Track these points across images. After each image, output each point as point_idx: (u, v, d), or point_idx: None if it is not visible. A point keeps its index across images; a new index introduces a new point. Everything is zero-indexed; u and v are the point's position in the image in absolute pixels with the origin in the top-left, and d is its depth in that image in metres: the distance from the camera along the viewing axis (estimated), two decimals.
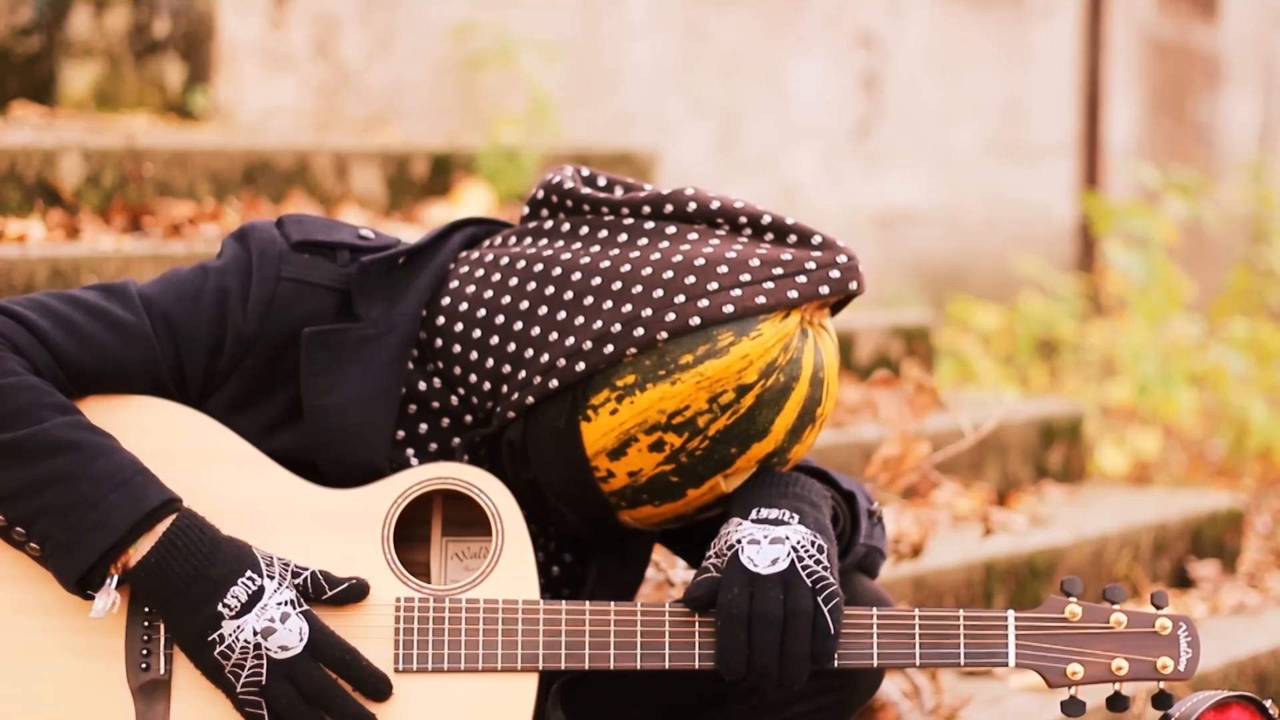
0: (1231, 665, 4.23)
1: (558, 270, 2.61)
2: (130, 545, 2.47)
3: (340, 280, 2.65)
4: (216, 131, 5.45)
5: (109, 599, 2.47)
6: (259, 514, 2.57)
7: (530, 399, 2.60)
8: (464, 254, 2.71)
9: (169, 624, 2.50)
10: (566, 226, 2.67)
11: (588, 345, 2.56)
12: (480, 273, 2.67)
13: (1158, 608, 2.65)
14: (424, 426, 2.67)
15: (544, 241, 2.67)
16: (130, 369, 2.58)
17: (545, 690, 2.74)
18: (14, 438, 2.47)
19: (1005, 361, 7.97)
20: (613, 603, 2.59)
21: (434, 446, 2.68)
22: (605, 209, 2.65)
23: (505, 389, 2.62)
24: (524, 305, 2.62)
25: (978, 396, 6.35)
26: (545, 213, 2.71)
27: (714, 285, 2.56)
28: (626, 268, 2.59)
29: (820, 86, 8.51)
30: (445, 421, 2.68)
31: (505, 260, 2.67)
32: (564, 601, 2.60)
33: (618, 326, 2.56)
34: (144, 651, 2.52)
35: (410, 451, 2.67)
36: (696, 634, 2.58)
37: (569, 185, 2.68)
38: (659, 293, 2.56)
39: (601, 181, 2.70)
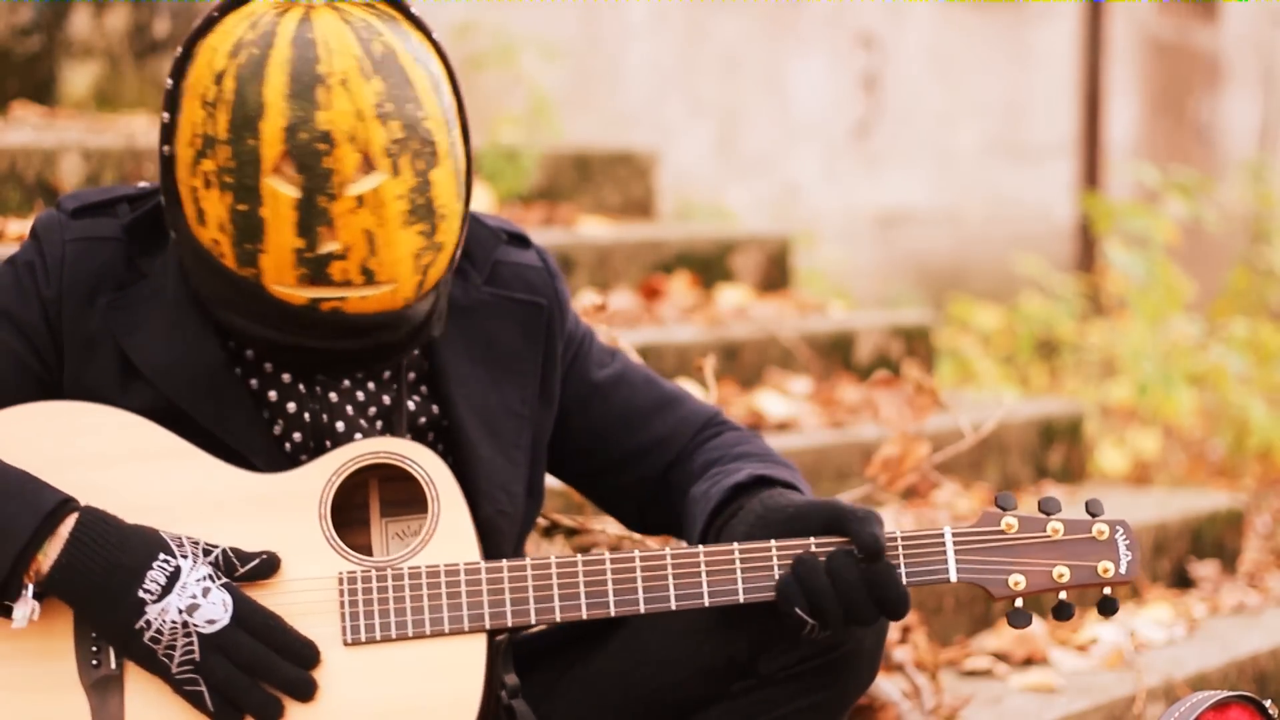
0: (1231, 665, 4.23)
1: None
2: (37, 552, 2.48)
3: (124, 230, 2.70)
4: None
5: (27, 608, 2.48)
6: (196, 505, 2.58)
7: (173, 231, 2.65)
8: None
9: (93, 622, 2.51)
10: None
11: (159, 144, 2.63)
12: None
13: (1091, 515, 2.65)
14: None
15: None
16: (6, 372, 2.62)
17: (495, 654, 2.71)
18: None
19: (1005, 361, 7.97)
20: (553, 556, 2.62)
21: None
22: None
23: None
24: None
25: (978, 396, 6.35)
26: None
27: (197, 22, 2.61)
28: None
29: (820, 87, 8.51)
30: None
31: None
32: (504, 560, 2.62)
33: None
34: (93, 649, 2.53)
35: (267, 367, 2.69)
36: (639, 580, 2.61)
37: None
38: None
39: None
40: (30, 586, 2.49)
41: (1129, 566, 2.65)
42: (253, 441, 2.66)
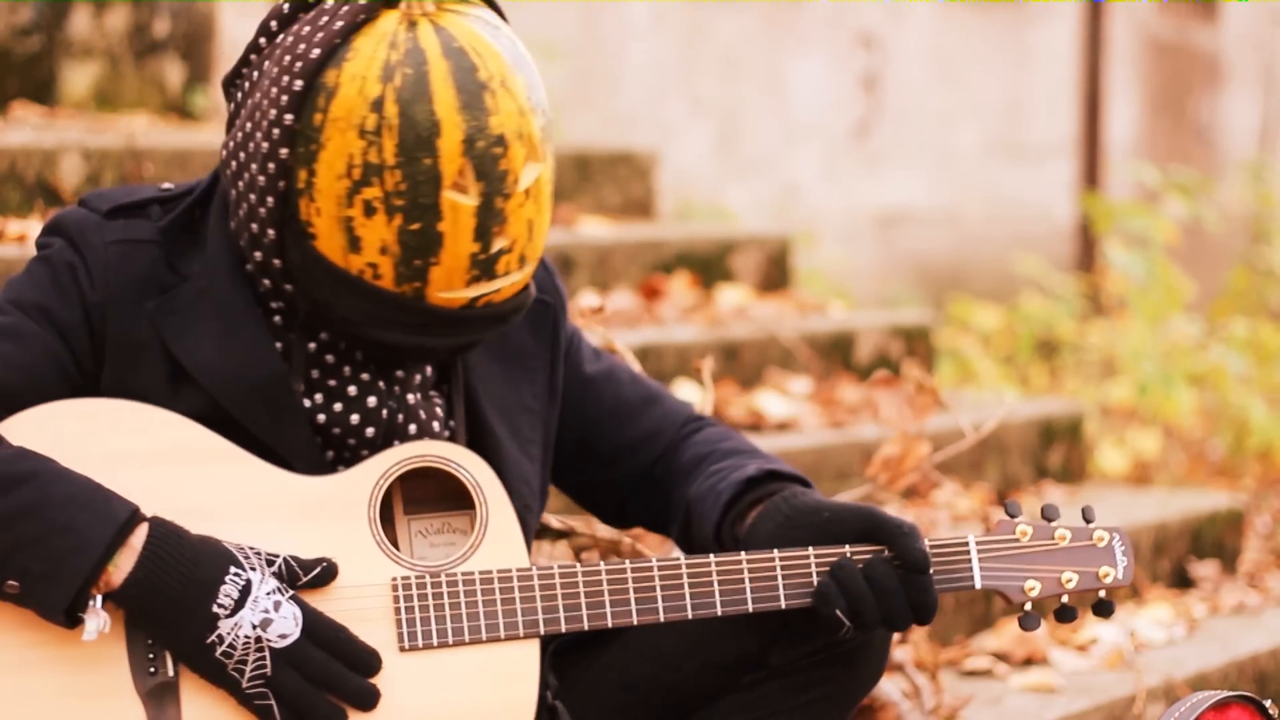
0: (1231, 665, 4.23)
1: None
2: (109, 563, 2.44)
3: (159, 233, 2.66)
4: (217, 131, 5.45)
5: (99, 620, 2.45)
6: (243, 508, 2.56)
7: (259, 252, 2.61)
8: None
9: (163, 635, 2.48)
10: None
11: (261, 163, 2.58)
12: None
13: (1086, 521, 2.76)
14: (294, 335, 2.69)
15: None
16: (42, 376, 2.57)
17: (545, 657, 2.75)
18: None
19: (1005, 361, 7.97)
20: (602, 564, 2.64)
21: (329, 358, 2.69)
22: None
23: (262, 237, 2.63)
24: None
25: (978, 396, 6.35)
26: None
27: (289, 54, 2.56)
28: (265, 83, 2.60)
29: (820, 87, 8.51)
30: (283, 304, 2.68)
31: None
32: (555, 565, 2.64)
33: (268, 134, 2.57)
34: (149, 655, 2.49)
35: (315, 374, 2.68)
36: (686, 587, 2.64)
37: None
38: (274, 92, 2.57)
39: None
40: (99, 598, 2.45)
41: (1125, 572, 2.76)
42: (300, 450, 2.64)
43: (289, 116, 2.55)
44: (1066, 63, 9.77)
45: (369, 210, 2.52)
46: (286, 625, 2.47)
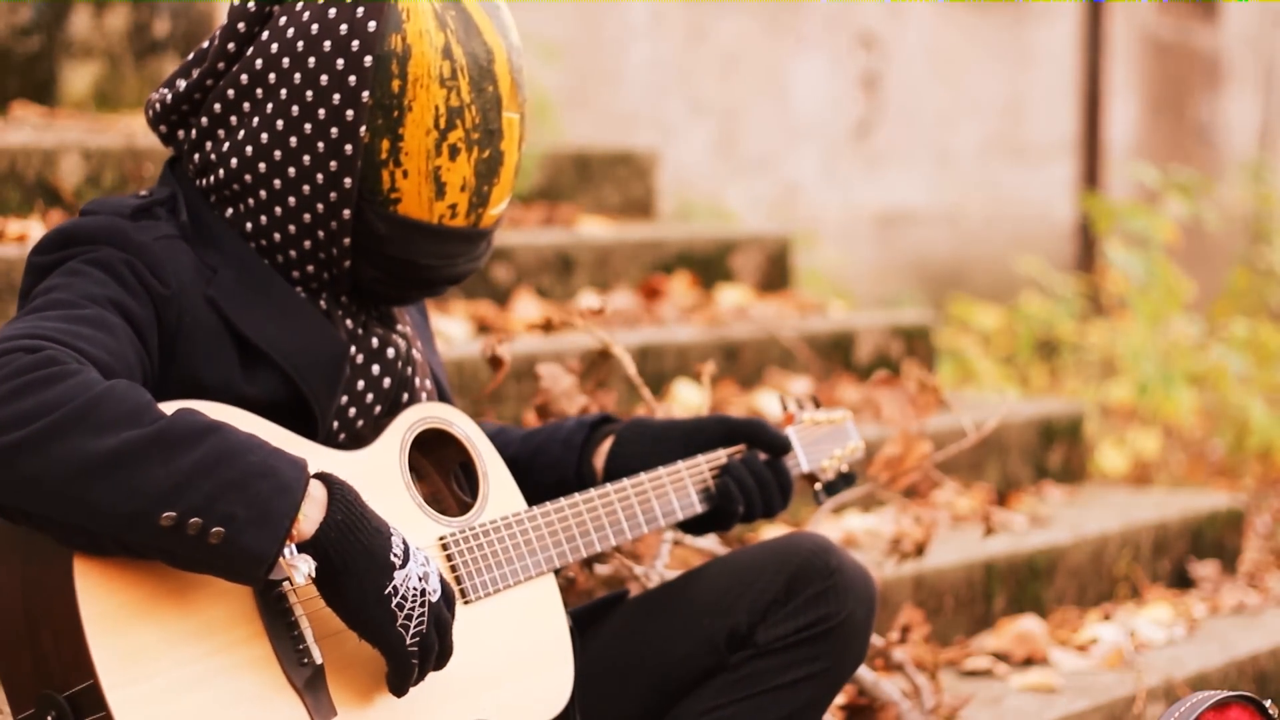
0: (1231, 665, 4.23)
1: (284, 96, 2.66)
2: (299, 511, 2.38)
3: (179, 230, 2.67)
4: None
5: (308, 563, 2.39)
6: None
7: (334, 224, 2.64)
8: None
9: (348, 586, 2.42)
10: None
11: (326, 151, 2.62)
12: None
13: (816, 405, 3.18)
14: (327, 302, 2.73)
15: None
16: (133, 367, 2.53)
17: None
18: (156, 430, 2.35)
19: (1005, 361, 7.98)
20: (578, 496, 2.84)
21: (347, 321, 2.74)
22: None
23: (319, 228, 2.66)
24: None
25: (978, 396, 6.35)
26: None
27: (326, 39, 2.61)
28: (297, 76, 2.63)
29: (820, 87, 8.51)
30: (314, 285, 2.72)
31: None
32: (548, 504, 2.80)
33: (336, 118, 2.60)
34: (298, 647, 2.46)
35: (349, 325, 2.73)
36: (653, 499, 2.91)
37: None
38: (325, 79, 2.61)
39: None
40: (293, 547, 2.38)
41: (860, 441, 3.21)
42: (328, 426, 2.68)
43: (365, 94, 2.60)
44: (1066, 63, 9.77)
45: (454, 153, 2.65)
46: (435, 581, 2.49)
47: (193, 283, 2.61)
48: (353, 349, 2.71)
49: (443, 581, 2.52)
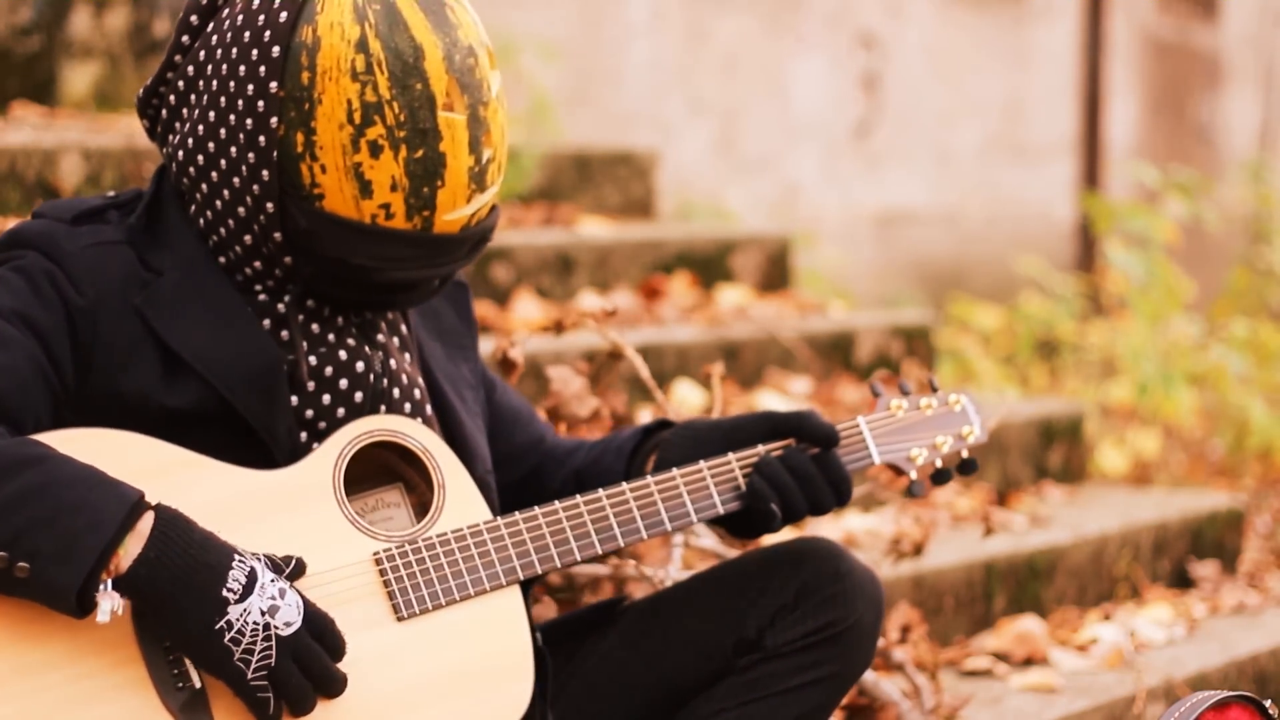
0: (1231, 665, 4.23)
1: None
2: (119, 546, 2.39)
3: (126, 234, 2.67)
4: None
5: (113, 600, 2.39)
6: (221, 510, 2.54)
7: (248, 236, 2.63)
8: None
9: (170, 622, 2.43)
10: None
11: (245, 144, 2.60)
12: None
13: (934, 390, 2.99)
14: (264, 299, 2.70)
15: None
16: (29, 383, 2.53)
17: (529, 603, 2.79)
18: None
19: (1005, 361, 7.97)
20: (558, 503, 2.73)
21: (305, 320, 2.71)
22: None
23: (253, 222, 2.65)
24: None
25: (978, 396, 6.35)
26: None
27: (246, 30, 2.60)
28: (224, 68, 2.63)
29: (820, 86, 8.51)
30: (270, 284, 2.69)
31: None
32: (518, 512, 2.71)
33: (250, 110, 2.59)
34: (174, 671, 2.46)
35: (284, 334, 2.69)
36: (635, 510, 2.76)
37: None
38: (243, 69, 2.60)
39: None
40: (108, 582, 2.39)
41: (982, 428, 3.00)
42: (282, 438, 2.65)
43: (274, 85, 2.58)
44: (1066, 62, 9.77)
45: (375, 150, 2.59)
46: (291, 614, 2.45)
47: (118, 292, 2.61)
48: (313, 360, 2.68)
49: (310, 610, 2.48)
